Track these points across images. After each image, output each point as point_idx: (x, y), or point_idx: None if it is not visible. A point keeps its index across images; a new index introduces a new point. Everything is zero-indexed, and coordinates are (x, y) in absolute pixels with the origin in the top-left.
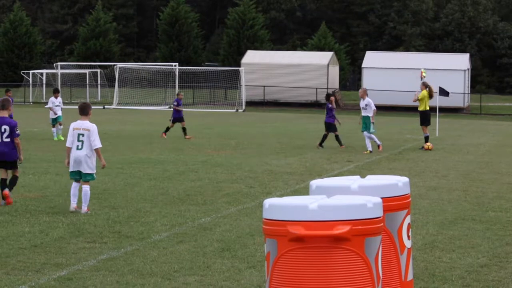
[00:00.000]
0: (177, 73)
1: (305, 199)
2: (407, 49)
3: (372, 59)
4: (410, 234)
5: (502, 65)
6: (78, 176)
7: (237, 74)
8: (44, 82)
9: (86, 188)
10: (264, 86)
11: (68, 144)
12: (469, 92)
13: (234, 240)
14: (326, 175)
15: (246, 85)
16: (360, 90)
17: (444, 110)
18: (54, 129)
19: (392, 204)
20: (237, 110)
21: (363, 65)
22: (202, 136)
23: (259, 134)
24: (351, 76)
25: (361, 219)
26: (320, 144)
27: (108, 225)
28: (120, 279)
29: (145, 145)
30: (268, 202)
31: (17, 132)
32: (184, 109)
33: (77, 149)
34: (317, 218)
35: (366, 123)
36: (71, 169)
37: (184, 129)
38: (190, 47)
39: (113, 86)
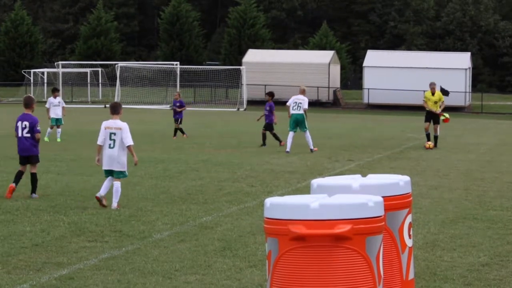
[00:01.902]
0: (178, 72)
1: (306, 198)
2: (408, 48)
3: (373, 58)
4: (411, 233)
5: (503, 64)
6: (111, 174)
7: (238, 73)
8: (45, 81)
9: (117, 184)
10: (265, 85)
11: (99, 142)
12: (470, 91)
13: (235, 239)
14: (327, 174)
15: (247, 84)
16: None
17: (445, 109)
18: (49, 130)
19: (393, 203)
20: (238, 109)
21: (364, 64)
22: (203, 135)
23: (260, 133)
24: (352, 75)
25: (362, 218)
26: (264, 143)
27: (109, 224)
28: (121, 278)
29: (147, 144)
30: (269, 201)
31: (37, 128)
32: (185, 108)
33: (109, 147)
34: (318, 217)
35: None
36: (104, 167)
37: (177, 130)
38: (191, 46)
39: (114, 85)
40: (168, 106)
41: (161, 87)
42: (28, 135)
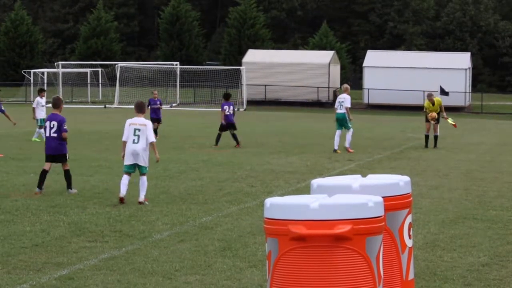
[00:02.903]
0: (178, 72)
1: (306, 198)
2: (408, 48)
3: (373, 58)
4: (411, 233)
5: (503, 64)
6: (132, 170)
7: (238, 73)
8: (45, 81)
9: (143, 179)
10: (265, 85)
11: (124, 139)
12: (470, 91)
13: (235, 239)
14: (327, 174)
15: (247, 84)
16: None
17: (445, 109)
18: (40, 130)
19: (393, 203)
20: (238, 109)
21: (364, 64)
22: (203, 135)
23: (260, 133)
24: (352, 75)
25: (362, 218)
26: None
27: (109, 224)
28: (121, 278)
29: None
30: (269, 201)
31: (64, 127)
32: (184, 108)
33: (133, 142)
34: (318, 217)
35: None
36: (127, 162)
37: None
38: (191, 46)
39: (114, 85)
40: (148, 106)
41: (161, 87)
42: (55, 135)
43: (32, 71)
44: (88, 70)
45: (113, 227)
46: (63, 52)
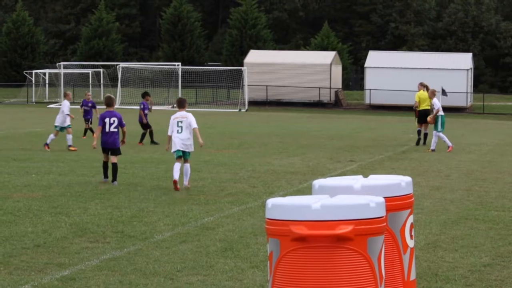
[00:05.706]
0: (180, 73)
1: (308, 198)
2: (410, 48)
3: (375, 58)
4: (413, 233)
5: (505, 64)
6: (181, 154)
7: (239, 73)
8: (47, 82)
9: (187, 165)
10: (267, 86)
11: (169, 133)
12: (472, 91)
13: (237, 240)
14: (328, 175)
15: (248, 85)
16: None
17: (447, 109)
18: None
19: (395, 204)
20: (239, 110)
21: (366, 65)
22: (204, 135)
23: (262, 134)
24: (353, 76)
25: (364, 218)
26: (153, 141)
27: (111, 225)
28: (123, 278)
29: (148, 144)
30: (271, 201)
31: (123, 122)
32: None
33: (178, 133)
34: (320, 218)
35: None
36: (174, 149)
37: (87, 130)
38: (193, 47)
39: (116, 86)
40: (79, 106)
41: (162, 88)
42: (116, 129)
43: (33, 71)
44: (89, 70)
45: (115, 227)
46: (65, 53)
